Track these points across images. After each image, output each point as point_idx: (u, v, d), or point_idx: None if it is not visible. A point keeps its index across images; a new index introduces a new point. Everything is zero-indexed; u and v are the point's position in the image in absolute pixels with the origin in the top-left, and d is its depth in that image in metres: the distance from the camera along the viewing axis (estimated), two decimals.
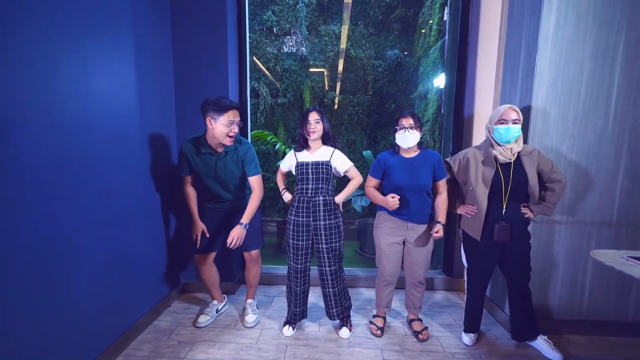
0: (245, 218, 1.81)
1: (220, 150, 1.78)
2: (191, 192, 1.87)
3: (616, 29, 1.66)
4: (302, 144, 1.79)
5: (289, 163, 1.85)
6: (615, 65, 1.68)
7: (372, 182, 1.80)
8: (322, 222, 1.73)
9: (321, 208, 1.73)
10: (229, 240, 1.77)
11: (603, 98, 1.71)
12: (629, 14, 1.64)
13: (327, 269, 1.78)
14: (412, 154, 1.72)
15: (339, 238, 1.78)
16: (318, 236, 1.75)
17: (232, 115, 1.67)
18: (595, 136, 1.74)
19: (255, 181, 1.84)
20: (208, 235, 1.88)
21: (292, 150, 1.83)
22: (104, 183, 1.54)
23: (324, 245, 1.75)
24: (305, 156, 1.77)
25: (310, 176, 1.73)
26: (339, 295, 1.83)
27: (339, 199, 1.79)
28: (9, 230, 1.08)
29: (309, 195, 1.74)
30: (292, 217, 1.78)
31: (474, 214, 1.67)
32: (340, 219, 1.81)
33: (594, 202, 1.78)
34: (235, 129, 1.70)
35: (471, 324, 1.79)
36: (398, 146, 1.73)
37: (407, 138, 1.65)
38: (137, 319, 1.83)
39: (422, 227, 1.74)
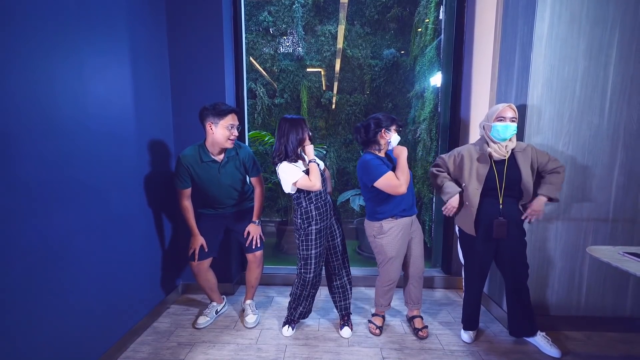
0: (256, 216, 1.94)
1: (221, 157, 1.79)
2: (189, 206, 1.85)
3: (610, 27, 1.67)
4: (298, 153, 1.64)
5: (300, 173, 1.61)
6: (609, 63, 1.70)
7: (391, 174, 1.59)
8: (334, 217, 1.81)
9: (332, 205, 1.80)
10: (249, 239, 1.91)
11: (598, 95, 1.72)
12: (622, 12, 1.66)
13: (343, 256, 1.87)
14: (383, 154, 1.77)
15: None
16: (334, 231, 1.80)
17: (232, 119, 1.71)
18: (591, 133, 1.75)
19: (257, 181, 1.93)
20: (207, 250, 1.89)
21: (290, 164, 1.59)
22: (102, 186, 1.53)
23: (339, 237, 1.84)
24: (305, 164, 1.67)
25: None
26: (350, 284, 1.93)
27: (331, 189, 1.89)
28: (7, 233, 1.08)
29: (324, 198, 1.71)
30: (315, 227, 1.67)
31: (451, 212, 1.70)
32: None
33: (590, 199, 1.79)
34: (236, 133, 1.73)
35: (469, 321, 1.80)
36: (379, 149, 1.72)
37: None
38: (136, 321, 1.82)
39: (416, 217, 1.83)
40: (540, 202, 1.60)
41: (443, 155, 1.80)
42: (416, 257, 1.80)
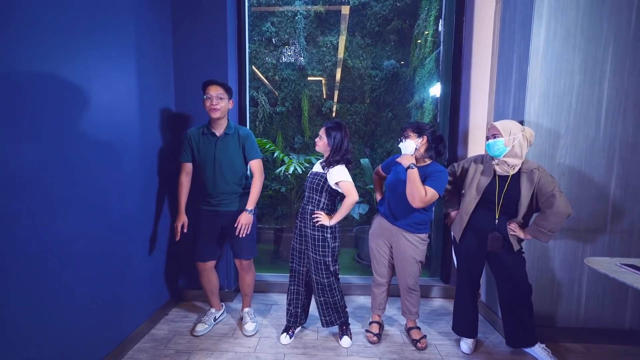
0: (250, 203, 1.85)
1: (220, 131, 1.86)
2: (185, 182, 1.90)
3: (603, 43, 1.72)
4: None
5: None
6: (603, 78, 1.74)
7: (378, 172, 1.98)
8: (309, 230, 1.77)
9: (308, 217, 1.78)
10: (237, 227, 1.81)
11: (593, 108, 1.76)
12: (615, 30, 1.71)
13: (313, 276, 1.80)
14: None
15: (324, 253, 1.74)
16: (308, 243, 1.79)
17: (212, 90, 1.79)
18: (587, 145, 1.78)
19: (256, 165, 1.90)
20: (186, 230, 1.92)
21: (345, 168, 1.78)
22: (103, 192, 1.55)
23: (311, 254, 1.78)
24: (316, 167, 1.84)
25: (307, 184, 1.82)
26: (326, 306, 1.83)
27: (333, 221, 1.72)
28: (8, 238, 1.09)
29: (304, 202, 1.83)
30: (297, 222, 1.86)
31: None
32: (329, 235, 1.74)
33: (588, 210, 1.81)
34: (215, 102, 1.78)
35: (466, 328, 1.79)
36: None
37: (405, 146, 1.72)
38: (134, 328, 1.81)
39: (407, 236, 1.72)
40: (525, 235, 1.60)
41: (454, 163, 1.87)
42: (399, 270, 1.81)
